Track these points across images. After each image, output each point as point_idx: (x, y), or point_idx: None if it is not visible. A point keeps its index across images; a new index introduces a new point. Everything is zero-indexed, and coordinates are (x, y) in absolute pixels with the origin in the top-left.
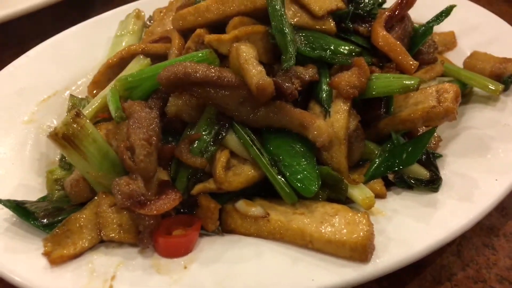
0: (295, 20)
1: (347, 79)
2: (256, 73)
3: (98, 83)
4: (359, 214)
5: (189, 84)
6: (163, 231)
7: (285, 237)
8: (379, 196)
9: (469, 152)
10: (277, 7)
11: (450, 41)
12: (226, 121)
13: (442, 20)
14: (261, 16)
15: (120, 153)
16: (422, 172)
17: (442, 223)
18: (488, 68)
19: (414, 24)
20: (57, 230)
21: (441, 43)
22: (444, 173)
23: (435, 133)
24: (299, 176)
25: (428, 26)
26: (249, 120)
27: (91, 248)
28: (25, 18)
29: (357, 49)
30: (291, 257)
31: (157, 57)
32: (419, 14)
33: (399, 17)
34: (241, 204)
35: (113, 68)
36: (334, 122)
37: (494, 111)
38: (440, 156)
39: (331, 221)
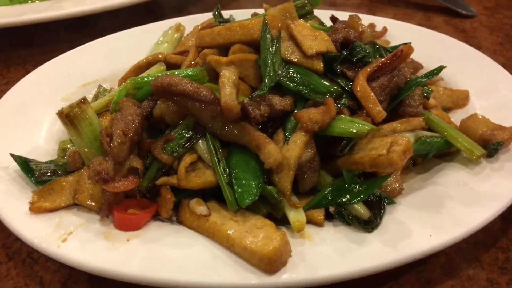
0: (287, 55)
1: (311, 114)
2: (226, 94)
3: (126, 79)
4: (278, 232)
5: (171, 93)
6: (122, 208)
7: (215, 237)
8: (316, 224)
9: (423, 206)
10: (267, 41)
11: (462, 99)
12: (200, 130)
13: (431, 78)
14: (258, 46)
15: (101, 137)
16: (363, 212)
17: (356, 260)
18: (479, 132)
19: (413, 76)
20: (44, 187)
21: (452, 99)
22: (387, 218)
23: (397, 183)
24: (241, 189)
25: (414, 82)
26: (219, 133)
27: (66, 207)
28: (104, 14)
29: (334, 90)
30: (213, 254)
31: (175, 66)
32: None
33: (389, 68)
34: (193, 202)
35: (142, 68)
36: (289, 150)
37: (468, 173)
38: (393, 202)
39: (254, 233)
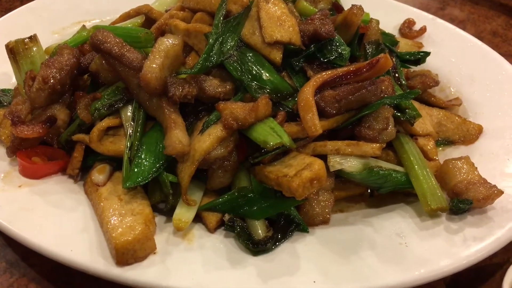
0: (247, 36)
1: (234, 109)
2: (150, 65)
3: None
4: (142, 226)
5: (101, 50)
6: (27, 153)
7: (95, 209)
8: (208, 228)
9: (334, 246)
10: (218, 16)
11: (472, 135)
12: (129, 96)
13: (399, 101)
14: None
15: (24, 79)
16: (259, 231)
17: (215, 280)
18: (454, 181)
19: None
20: None
21: (461, 132)
22: (287, 246)
23: (321, 210)
24: (136, 168)
25: (376, 103)
26: (143, 105)
27: None
28: None
29: (283, 88)
30: (86, 225)
31: (154, 22)
32: None
33: (358, 79)
34: (96, 167)
35: (130, 17)
36: (200, 141)
37: (414, 226)
38: (306, 231)
39: (125, 218)
